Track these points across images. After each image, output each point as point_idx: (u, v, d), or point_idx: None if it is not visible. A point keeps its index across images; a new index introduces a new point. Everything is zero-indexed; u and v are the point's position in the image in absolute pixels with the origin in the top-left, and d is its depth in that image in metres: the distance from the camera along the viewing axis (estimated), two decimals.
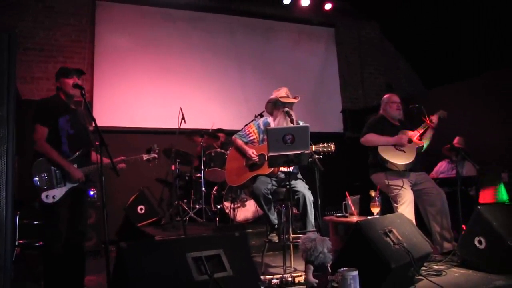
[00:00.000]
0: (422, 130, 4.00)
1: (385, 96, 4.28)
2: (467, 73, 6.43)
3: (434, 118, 3.97)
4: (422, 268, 3.13)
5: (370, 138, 4.00)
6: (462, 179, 4.61)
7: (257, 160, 3.62)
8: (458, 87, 6.35)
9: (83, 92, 3.01)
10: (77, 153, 3.05)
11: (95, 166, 3.06)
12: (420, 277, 2.94)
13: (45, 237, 2.97)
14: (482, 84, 6.00)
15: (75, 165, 3.01)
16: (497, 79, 5.82)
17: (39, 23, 6.07)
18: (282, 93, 3.74)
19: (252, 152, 3.66)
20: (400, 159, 3.87)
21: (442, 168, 5.67)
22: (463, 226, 3.61)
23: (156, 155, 3.52)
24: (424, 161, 4.16)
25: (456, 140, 5.42)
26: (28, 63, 5.94)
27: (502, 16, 6.35)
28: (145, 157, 3.46)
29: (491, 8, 6.40)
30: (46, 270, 2.92)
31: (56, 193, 2.92)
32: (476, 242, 3.23)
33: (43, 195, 2.87)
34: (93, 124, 2.85)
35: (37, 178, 2.87)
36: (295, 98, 3.75)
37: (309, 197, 3.47)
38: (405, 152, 3.91)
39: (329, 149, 3.46)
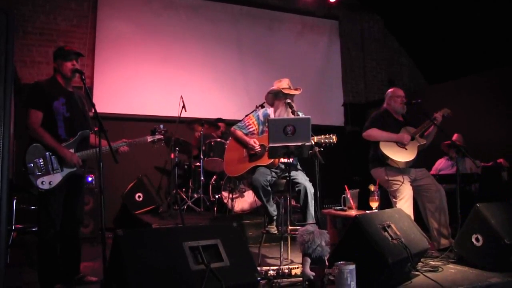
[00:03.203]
0: (425, 127, 3.97)
1: (390, 90, 4.24)
2: (469, 70, 6.41)
3: (438, 116, 3.93)
4: (419, 263, 3.13)
5: (373, 133, 3.97)
6: (463, 176, 4.60)
7: (259, 149, 3.59)
8: (460, 83, 6.32)
9: (83, 76, 2.94)
10: (74, 137, 2.98)
11: (93, 151, 2.98)
12: (416, 272, 2.95)
13: (40, 223, 2.93)
14: (484, 81, 5.96)
15: (72, 150, 2.96)
16: (499, 76, 5.79)
17: (39, 6, 6.00)
18: (284, 84, 3.70)
19: (253, 142, 3.63)
20: (401, 156, 3.85)
21: (441, 165, 5.65)
22: None
23: (161, 136, 3.38)
24: (424, 158, 4.14)
25: (454, 137, 5.40)
26: (28, 47, 5.89)
27: (506, 13, 6.30)
28: (149, 138, 3.33)
29: (496, 5, 6.35)
30: (40, 256, 2.90)
31: (53, 179, 2.86)
32: (473, 239, 3.23)
33: (39, 181, 2.81)
34: (93, 110, 2.80)
35: (32, 164, 2.81)
36: (296, 89, 3.71)
37: (310, 189, 3.45)
38: (406, 149, 3.89)
39: (331, 141, 3.43)
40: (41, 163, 2.85)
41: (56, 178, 2.88)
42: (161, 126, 3.42)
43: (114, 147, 3.02)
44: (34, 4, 5.98)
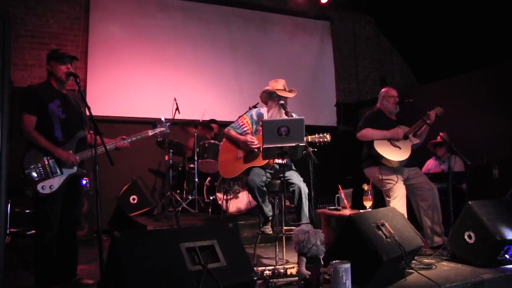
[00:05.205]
0: (418, 126, 4.02)
1: (383, 90, 4.28)
2: (460, 69, 6.47)
3: (431, 115, 3.97)
4: (413, 261, 3.16)
5: (367, 133, 4.00)
6: (453, 175, 4.64)
7: (258, 145, 3.59)
8: (451, 82, 6.38)
9: (78, 80, 2.92)
10: (72, 139, 2.97)
11: (91, 151, 2.96)
12: (410, 270, 2.98)
13: (38, 226, 2.91)
14: (475, 79, 6.03)
15: (71, 151, 2.95)
16: (489, 75, 5.86)
17: (31, 9, 5.97)
18: (279, 85, 3.71)
19: (250, 138, 3.62)
20: (395, 156, 3.89)
21: (429, 166, 5.70)
22: None
23: (163, 129, 3.25)
24: (416, 158, 4.18)
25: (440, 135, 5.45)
26: (20, 50, 5.85)
27: (495, 13, 6.38)
28: (150, 132, 3.22)
29: (486, 5, 6.42)
30: (36, 259, 2.89)
31: (53, 183, 2.85)
32: (466, 237, 3.27)
33: (39, 186, 2.80)
34: (87, 112, 2.80)
35: (30, 171, 2.79)
36: (291, 91, 3.73)
37: (304, 190, 3.47)
38: (400, 148, 3.93)
39: (325, 139, 3.46)
40: (40, 168, 2.84)
41: (56, 182, 2.87)
42: (162, 118, 3.30)
43: (113, 144, 3.02)
44: (26, 6, 5.94)
